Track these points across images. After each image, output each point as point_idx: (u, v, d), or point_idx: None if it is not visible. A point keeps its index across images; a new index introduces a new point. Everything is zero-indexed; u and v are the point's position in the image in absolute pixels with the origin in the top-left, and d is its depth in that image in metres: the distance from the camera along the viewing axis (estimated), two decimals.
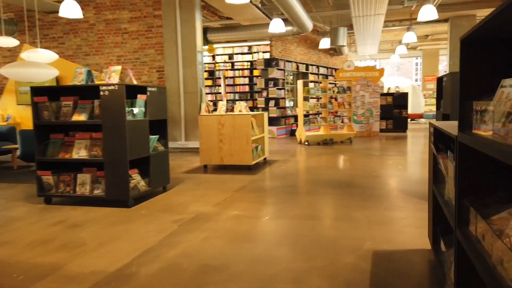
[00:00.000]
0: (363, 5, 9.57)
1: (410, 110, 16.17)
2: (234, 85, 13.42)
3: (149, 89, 4.37)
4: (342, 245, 2.80)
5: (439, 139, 2.33)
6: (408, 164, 6.49)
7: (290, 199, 4.23)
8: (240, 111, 6.46)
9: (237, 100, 13.22)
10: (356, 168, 6.14)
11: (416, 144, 9.49)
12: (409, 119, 12.53)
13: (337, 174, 5.67)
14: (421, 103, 17.46)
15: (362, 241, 2.88)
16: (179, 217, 3.64)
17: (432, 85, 19.67)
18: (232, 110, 6.51)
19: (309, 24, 10.23)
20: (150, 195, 4.53)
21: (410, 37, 12.01)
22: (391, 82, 16.45)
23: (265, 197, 4.41)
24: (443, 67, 22.15)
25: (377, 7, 9.73)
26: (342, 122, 9.97)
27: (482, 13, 12.79)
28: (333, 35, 12.14)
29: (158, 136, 4.64)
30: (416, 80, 23.74)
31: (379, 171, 5.85)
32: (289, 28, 10.25)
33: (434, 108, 19.20)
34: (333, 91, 9.78)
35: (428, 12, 8.54)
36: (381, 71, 11.34)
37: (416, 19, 13.34)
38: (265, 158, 6.90)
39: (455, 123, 2.23)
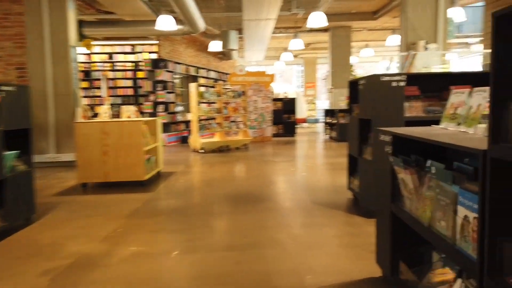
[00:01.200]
0: (255, 8, 9.38)
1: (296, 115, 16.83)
2: (115, 87, 11.97)
3: (3, 88, 3.20)
4: (280, 285, 2.25)
5: (399, 149, 1.95)
6: (310, 170, 6.37)
7: (199, 223, 3.53)
8: (128, 117, 5.48)
9: (119, 104, 11.79)
10: (261, 177, 5.74)
11: (308, 148, 9.67)
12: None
13: (243, 185, 5.17)
14: (304, 108, 18.40)
15: (300, 275, 2.38)
16: (50, 266, 2.62)
17: (312, 91, 20.99)
18: (118, 115, 5.48)
19: (201, 24, 9.61)
20: (6, 233, 3.31)
21: (297, 43, 12.36)
22: (278, 88, 16.92)
23: (168, 222, 3.63)
24: (321, 74, 23.91)
25: (269, 11, 9.66)
26: (237, 127, 9.60)
27: (357, 25, 13.98)
28: (225, 38, 11.76)
29: (18, 151, 3.45)
30: (298, 87, 25.12)
31: (285, 180, 5.55)
32: (180, 27, 9.47)
33: (314, 113, 20.51)
34: (228, 96, 9.35)
35: (317, 19, 8.75)
36: (272, 77, 11.38)
37: (301, 27, 13.90)
38: (159, 171, 6.02)
39: (419, 130, 1.89)
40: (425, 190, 1.65)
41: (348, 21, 13.23)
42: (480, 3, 13.30)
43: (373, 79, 3.43)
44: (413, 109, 3.41)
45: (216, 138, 9.21)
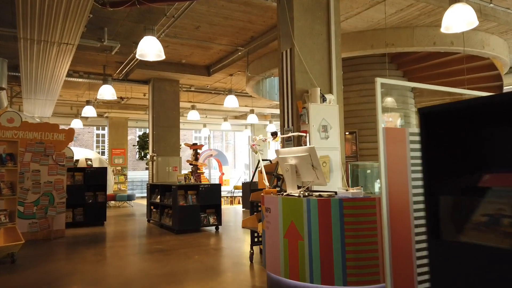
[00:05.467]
0: (39, 23, 5.55)
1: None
2: None
3: None
4: None
5: None
6: None
7: None
8: None
9: None
10: None
11: (138, 256, 5.86)
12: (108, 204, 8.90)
13: None
14: (111, 180, 14.15)
15: None
16: None
17: (121, 160, 16.93)
18: None
19: None
20: None
21: (106, 92, 8.78)
22: (78, 153, 12.28)
23: None
24: (132, 139, 20.24)
25: (66, 31, 5.95)
26: None
27: (186, 81, 11.50)
28: None
29: None
30: (102, 154, 20.41)
31: None
32: None
33: (124, 187, 16.33)
34: None
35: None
36: (70, 133, 7.26)
37: (111, 75, 10.36)
38: None
39: None
40: None
41: (177, 73, 10.61)
42: None
43: None
44: None
45: None
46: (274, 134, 3.78)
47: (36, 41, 6.31)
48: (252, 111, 14.63)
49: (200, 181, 8.03)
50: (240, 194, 13.66)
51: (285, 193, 3.23)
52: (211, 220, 7.24)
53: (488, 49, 7.56)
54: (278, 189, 3.72)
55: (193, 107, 13.18)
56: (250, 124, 19.50)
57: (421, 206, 2.34)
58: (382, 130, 2.30)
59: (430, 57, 8.35)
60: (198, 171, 8.70)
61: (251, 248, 4.79)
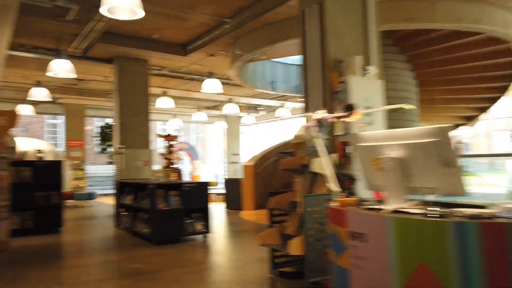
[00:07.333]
0: None
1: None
2: None
3: None
4: None
5: None
6: None
7: None
8: None
9: None
10: None
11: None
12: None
13: None
14: (67, 176, 12.27)
15: None
16: None
17: (79, 153, 14.98)
18: None
19: None
20: None
21: (60, 68, 7.17)
22: (26, 144, 10.34)
23: None
24: (89, 129, 18.20)
25: None
26: None
27: (157, 61, 9.93)
28: None
29: None
30: (55, 146, 18.22)
31: None
32: None
33: (83, 183, 14.40)
34: None
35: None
36: (12, 116, 5.58)
37: (65, 49, 8.59)
38: None
39: None
40: None
41: (147, 50, 9.03)
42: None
43: None
44: None
45: None
46: (349, 108, 2.52)
47: None
48: (230, 100, 13.29)
49: (181, 179, 6.64)
50: (217, 191, 12.31)
51: (383, 207, 1.96)
52: (198, 226, 5.88)
53: None
54: (346, 194, 2.48)
55: (164, 93, 11.63)
56: (224, 115, 18.07)
57: None
58: None
59: (443, 38, 7.43)
60: (170, 166, 7.32)
61: (271, 271, 3.53)
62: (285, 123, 18.23)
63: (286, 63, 11.85)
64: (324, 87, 3.71)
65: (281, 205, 3.49)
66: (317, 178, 3.32)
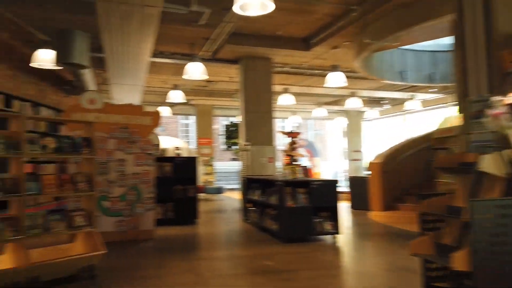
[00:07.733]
0: None
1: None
2: None
3: None
4: None
5: None
6: None
7: None
8: None
9: None
10: None
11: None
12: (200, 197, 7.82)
13: None
14: (200, 172, 13.30)
15: None
16: None
17: (208, 150, 16.13)
18: None
19: None
20: None
21: (194, 71, 7.63)
22: (166, 142, 11.56)
23: None
24: (215, 128, 19.52)
25: None
26: (73, 225, 3.93)
27: (280, 59, 9.97)
28: (63, 44, 6.31)
29: None
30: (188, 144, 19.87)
31: None
32: None
33: (211, 178, 15.49)
34: (49, 150, 3.74)
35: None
36: (156, 116, 6.15)
37: (195, 54, 9.18)
38: None
39: None
40: None
41: (271, 48, 9.10)
42: None
43: None
44: None
45: (7, 260, 3.40)
46: None
47: (115, 2, 5.21)
48: (353, 94, 12.67)
49: (310, 176, 6.46)
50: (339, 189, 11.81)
51: None
52: (327, 226, 5.61)
53: None
54: None
55: (285, 90, 11.65)
56: (344, 110, 17.40)
57: None
58: None
59: None
60: (293, 162, 7.18)
61: (425, 285, 3.05)
62: (414, 117, 16.64)
63: (418, 50, 10.71)
64: (490, 69, 3.05)
65: (436, 209, 2.98)
66: (484, 179, 2.73)
